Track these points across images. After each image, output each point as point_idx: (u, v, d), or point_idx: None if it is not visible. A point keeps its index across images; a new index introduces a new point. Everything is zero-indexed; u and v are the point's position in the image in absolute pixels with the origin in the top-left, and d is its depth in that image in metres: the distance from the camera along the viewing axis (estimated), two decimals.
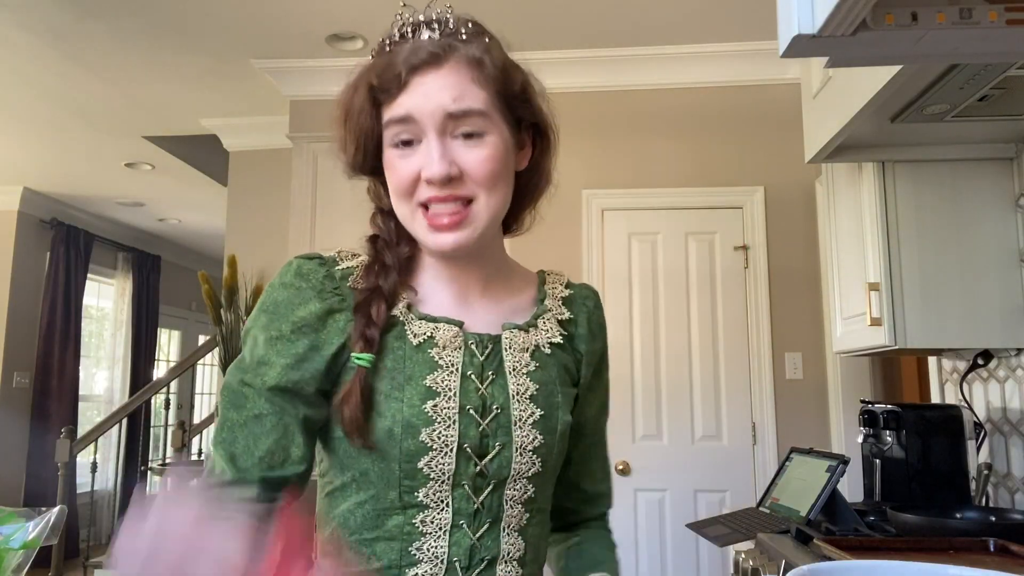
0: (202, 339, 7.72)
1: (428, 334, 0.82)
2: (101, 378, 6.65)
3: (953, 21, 0.81)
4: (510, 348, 0.84)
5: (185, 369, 4.87)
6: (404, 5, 0.84)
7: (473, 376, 0.81)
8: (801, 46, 0.82)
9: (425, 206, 0.80)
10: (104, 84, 3.78)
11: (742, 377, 3.23)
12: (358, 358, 0.79)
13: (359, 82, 0.83)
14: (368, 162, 0.85)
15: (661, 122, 3.44)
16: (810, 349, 3.22)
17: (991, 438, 2.01)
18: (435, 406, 0.78)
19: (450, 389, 0.80)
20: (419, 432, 0.77)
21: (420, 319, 0.83)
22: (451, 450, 0.78)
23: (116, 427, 4.92)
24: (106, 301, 6.73)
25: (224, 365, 3.86)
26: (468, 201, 0.80)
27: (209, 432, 4.84)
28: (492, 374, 0.82)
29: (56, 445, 4.15)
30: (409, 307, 0.84)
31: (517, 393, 0.82)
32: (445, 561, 0.78)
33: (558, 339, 0.88)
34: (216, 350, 3.98)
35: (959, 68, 1.43)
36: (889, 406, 1.97)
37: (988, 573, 0.60)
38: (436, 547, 0.78)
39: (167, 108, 4.10)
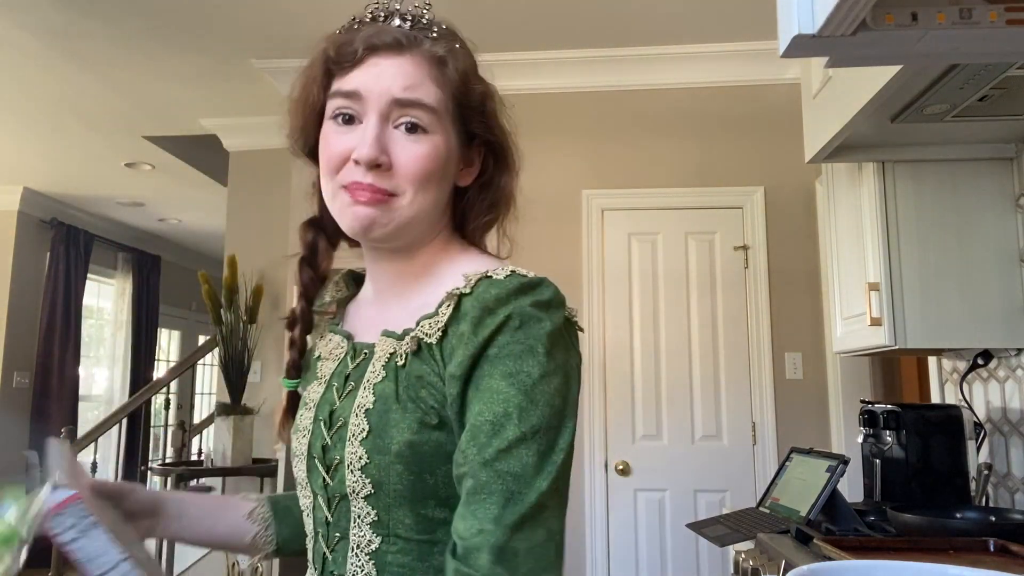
0: (202, 339, 7.72)
1: (323, 348, 0.86)
2: (101, 378, 6.65)
3: (953, 21, 0.81)
4: (377, 357, 0.77)
5: (185, 369, 4.87)
6: (377, 2, 0.81)
7: (335, 387, 0.80)
8: (801, 46, 0.82)
9: (343, 187, 0.77)
10: (104, 84, 3.78)
11: (742, 377, 3.23)
12: (284, 383, 0.89)
13: (315, 53, 0.81)
14: (309, 138, 0.84)
15: (661, 122, 3.44)
16: (810, 349, 3.22)
17: (991, 438, 2.01)
18: (301, 416, 0.83)
19: (312, 400, 0.82)
20: (293, 439, 0.83)
21: (332, 332, 0.87)
22: (302, 459, 0.80)
23: (116, 427, 4.92)
24: (106, 301, 6.73)
25: (224, 365, 3.86)
26: (390, 194, 0.76)
27: (209, 432, 4.84)
28: (352, 385, 0.78)
29: None
30: (334, 318, 0.90)
31: (359, 406, 0.75)
32: (311, 565, 0.81)
33: (412, 347, 0.74)
34: (216, 350, 3.98)
35: (959, 68, 1.43)
36: (889, 406, 1.97)
37: (988, 573, 0.60)
38: (310, 550, 0.82)
39: (167, 108, 4.10)
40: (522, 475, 0.65)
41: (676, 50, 3.36)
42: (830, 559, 1.39)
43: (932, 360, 2.31)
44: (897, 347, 1.85)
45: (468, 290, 0.72)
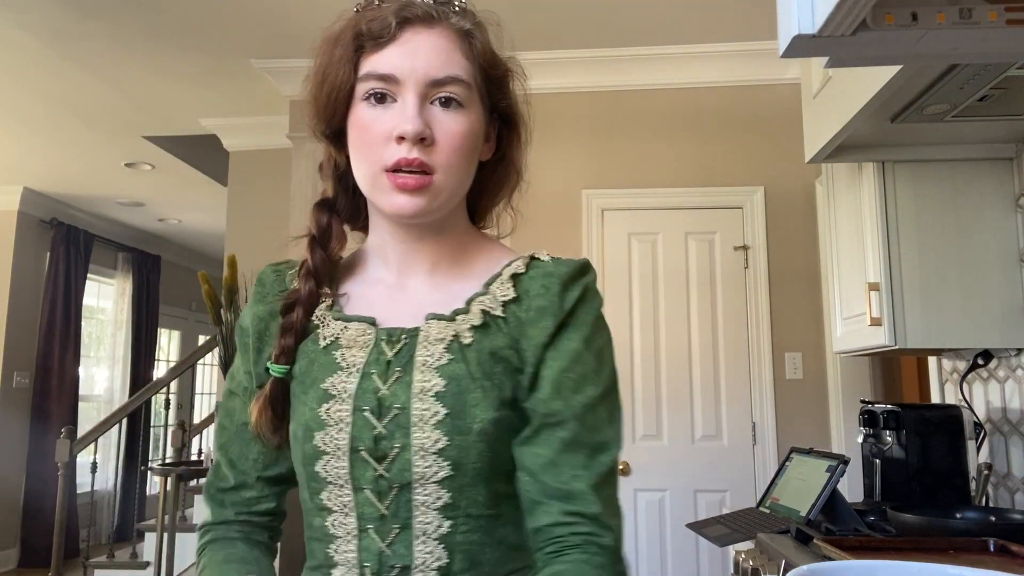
0: (202, 339, 7.72)
1: (335, 336, 0.80)
2: (101, 378, 6.65)
3: (953, 21, 0.81)
4: (426, 341, 0.77)
5: (185, 369, 4.87)
6: None
7: (376, 375, 0.76)
8: (801, 46, 0.82)
9: (389, 170, 0.76)
10: (104, 84, 3.78)
11: (742, 377, 3.23)
12: (274, 369, 0.80)
13: (343, 31, 0.79)
14: (337, 118, 0.80)
15: (661, 122, 3.44)
16: (810, 349, 3.22)
17: (991, 438, 2.01)
18: (328, 409, 0.76)
19: (345, 391, 0.77)
20: (313, 436, 0.76)
21: (336, 319, 0.81)
22: (343, 454, 0.75)
23: (116, 427, 4.92)
24: (106, 301, 6.73)
25: (224, 365, 3.86)
26: (431, 172, 0.76)
27: (209, 432, 4.84)
28: (399, 371, 0.76)
29: (56, 445, 4.15)
30: (331, 306, 0.82)
31: (421, 391, 0.74)
32: (357, 565, 0.76)
33: (478, 322, 0.76)
34: (216, 350, 3.98)
35: (959, 68, 1.43)
36: (889, 406, 1.97)
37: (988, 573, 0.59)
38: (348, 551, 0.76)
39: (167, 108, 4.10)
40: (601, 429, 0.76)
41: (676, 50, 3.36)
42: (830, 559, 1.39)
43: (932, 360, 2.31)
44: (897, 347, 1.85)
45: (524, 269, 0.79)
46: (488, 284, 0.79)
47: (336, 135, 0.82)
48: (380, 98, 0.77)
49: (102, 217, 6.36)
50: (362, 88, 0.77)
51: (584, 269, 0.79)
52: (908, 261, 1.87)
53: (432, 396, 0.74)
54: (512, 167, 0.87)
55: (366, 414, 0.75)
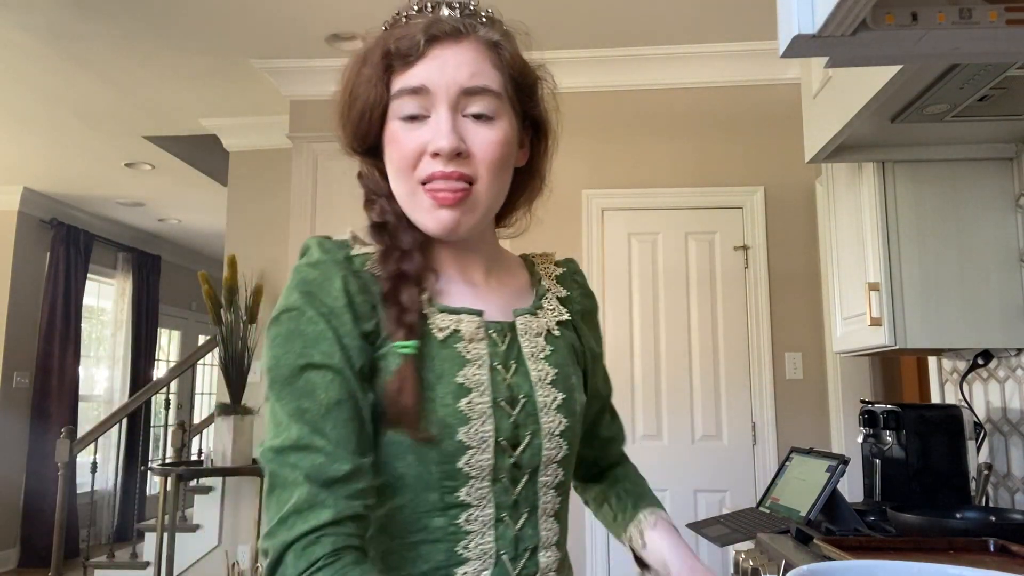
0: (202, 339, 7.72)
1: (452, 327, 0.78)
2: (101, 378, 6.65)
3: (953, 21, 0.81)
4: (525, 334, 0.84)
5: (185, 369, 4.87)
6: None
7: (499, 367, 0.80)
8: (801, 46, 0.82)
9: (425, 184, 0.77)
10: (104, 84, 3.78)
11: (742, 377, 3.23)
12: (402, 346, 0.73)
13: (371, 50, 0.80)
14: (371, 136, 0.81)
15: (661, 122, 3.44)
16: (810, 349, 3.22)
17: (991, 438, 2.01)
18: (469, 403, 0.75)
19: (481, 384, 0.77)
20: (456, 431, 0.74)
21: (441, 311, 0.79)
22: (488, 446, 0.76)
23: (116, 427, 4.92)
24: (106, 301, 6.73)
25: (224, 365, 3.86)
26: (470, 182, 0.77)
27: (209, 432, 4.84)
28: (514, 363, 0.81)
29: (56, 445, 4.15)
30: (430, 299, 0.80)
31: (539, 380, 0.82)
32: (493, 555, 0.77)
33: (565, 317, 0.89)
34: (216, 350, 3.98)
35: (959, 68, 1.43)
36: (889, 406, 1.97)
37: (988, 573, 0.59)
38: (483, 544, 0.77)
39: (167, 108, 4.10)
40: None
41: (676, 50, 3.36)
42: (830, 559, 1.39)
43: (932, 360, 2.31)
44: (897, 347, 1.85)
45: (561, 270, 0.95)
46: (539, 283, 0.91)
47: (370, 151, 0.83)
48: (414, 117, 0.77)
49: (102, 217, 6.36)
50: (395, 106, 0.78)
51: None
52: (908, 261, 1.87)
53: (549, 383, 0.82)
54: (538, 174, 0.90)
55: (503, 404, 0.78)
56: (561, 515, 0.84)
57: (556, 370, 0.83)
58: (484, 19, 0.82)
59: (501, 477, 0.77)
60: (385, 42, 0.79)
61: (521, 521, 0.79)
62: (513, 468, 0.78)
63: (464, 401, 0.75)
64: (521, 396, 0.80)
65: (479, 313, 0.81)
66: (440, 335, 0.78)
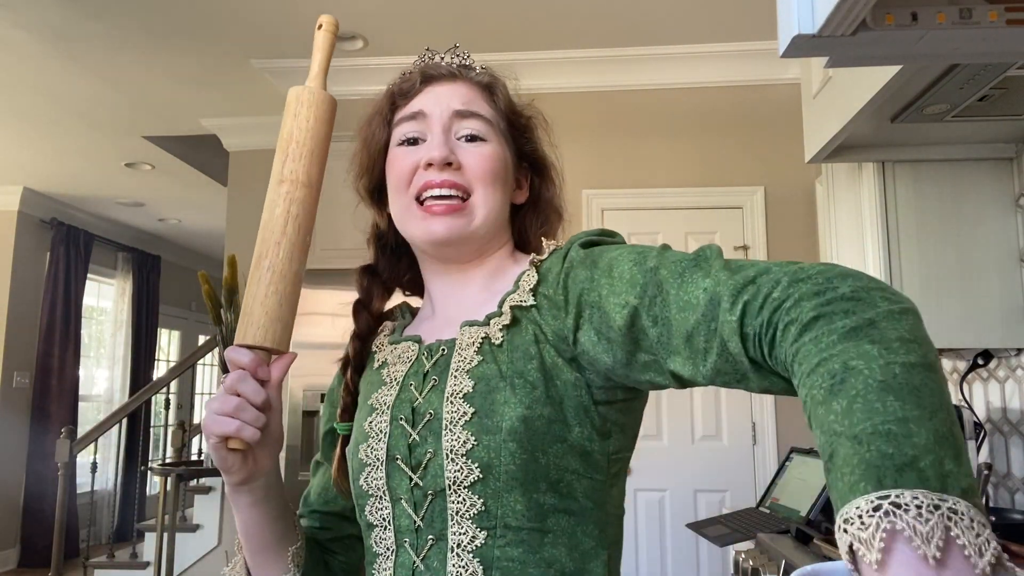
0: (202, 339, 7.72)
1: (386, 357, 0.85)
2: (101, 378, 6.65)
3: (953, 21, 0.81)
4: (461, 347, 0.78)
5: (185, 369, 4.86)
6: (427, 50, 0.90)
7: (413, 386, 0.78)
8: (801, 46, 0.82)
9: (420, 201, 0.81)
10: (104, 84, 3.78)
11: None
12: (339, 428, 0.86)
13: (380, 100, 0.88)
14: (374, 173, 0.88)
15: (661, 122, 3.44)
16: None
17: (991, 438, 2.01)
18: (371, 422, 0.79)
19: (384, 404, 0.79)
20: (359, 450, 0.80)
21: (391, 344, 0.86)
22: (381, 463, 0.76)
23: (116, 427, 4.92)
24: (106, 301, 6.73)
25: (224, 365, 3.85)
26: (466, 196, 0.80)
27: None
28: (435, 379, 0.77)
29: (56, 445, 4.15)
30: (393, 330, 0.89)
31: (452, 394, 0.74)
32: None
33: (508, 321, 0.76)
34: (216, 350, 3.98)
35: (959, 68, 1.43)
36: None
37: None
38: (385, 569, 0.76)
39: (167, 108, 4.10)
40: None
41: (676, 50, 3.36)
42: (830, 559, 1.39)
43: None
44: None
45: (544, 257, 0.81)
46: (517, 281, 0.80)
47: (376, 190, 0.90)
48: (412, 142, 0.83)
49: (102, 217, 6.36)
50: (396, 134, 0.85)
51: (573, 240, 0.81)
52: (908, 261, 1.87)
53: (461, 398, 0.73)
54: (550, 208, 0.90)
55: (402, 423, 0.77)
56: (492, 555, 0.71)
57: (474, 382, 0.74)
58: (478, 69, 0.88)
59: (400, 498, 0.75)
60: (390, 90, 0.88)
61: (424, 550, 0.73)
62: (414, 489, 0.74)
63: (367, 421, 0.80)
64: (428, 413, 0.75)
65: (416, 339, 0.84)
66: (375, 364, 0.86)
